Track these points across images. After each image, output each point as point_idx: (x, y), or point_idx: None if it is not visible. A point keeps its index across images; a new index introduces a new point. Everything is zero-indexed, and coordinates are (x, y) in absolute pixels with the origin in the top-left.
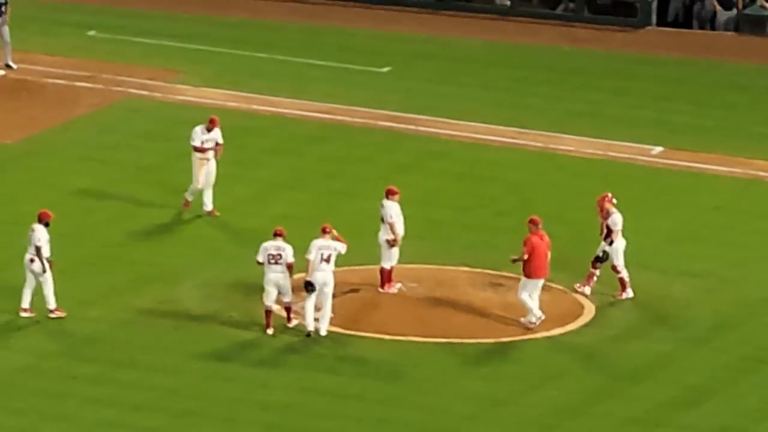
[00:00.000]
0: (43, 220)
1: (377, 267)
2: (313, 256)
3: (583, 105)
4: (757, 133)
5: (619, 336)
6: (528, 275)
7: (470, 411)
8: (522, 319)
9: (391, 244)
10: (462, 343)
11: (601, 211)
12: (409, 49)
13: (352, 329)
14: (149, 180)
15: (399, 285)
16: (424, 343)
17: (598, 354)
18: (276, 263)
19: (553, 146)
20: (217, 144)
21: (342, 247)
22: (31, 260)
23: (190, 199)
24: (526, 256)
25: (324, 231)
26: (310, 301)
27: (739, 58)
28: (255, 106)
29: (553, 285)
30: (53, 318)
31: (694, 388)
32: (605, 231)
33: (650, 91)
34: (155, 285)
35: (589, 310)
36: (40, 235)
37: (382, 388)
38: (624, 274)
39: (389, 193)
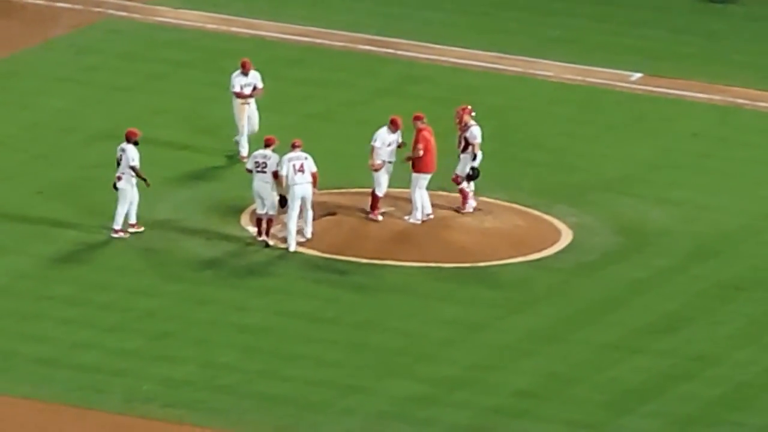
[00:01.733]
0: (132, 139)
1: (354, 191)
2: (285, 170)
3: (562, 30)
4: (737, 61)
5: (595, 262)
6: (420, 170)
7: (446, 336)
8: (407, 218)
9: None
10: (439, 267)
11: (460, 122)
12: None
13: (328, 252)
14: (128, 101)
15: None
16: (400, 267)
17: (574, 280)
18: (261, 171)
19: (532, 71)
20: (255, 87)
21: (311, 159)
22: (119, 178)
23: (243, 152)
24: (421, 152)
25: (294, 146)
26: (292, 221)
27: None
28: (234, 29)
29: (531, 210)
30: (133, 232)
31: (670, 315)
32: (463, 144)
33: (630, 17)
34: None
35: (566, 236)
36: (132, 154)
37: (358, 312)
38: (465, 185)
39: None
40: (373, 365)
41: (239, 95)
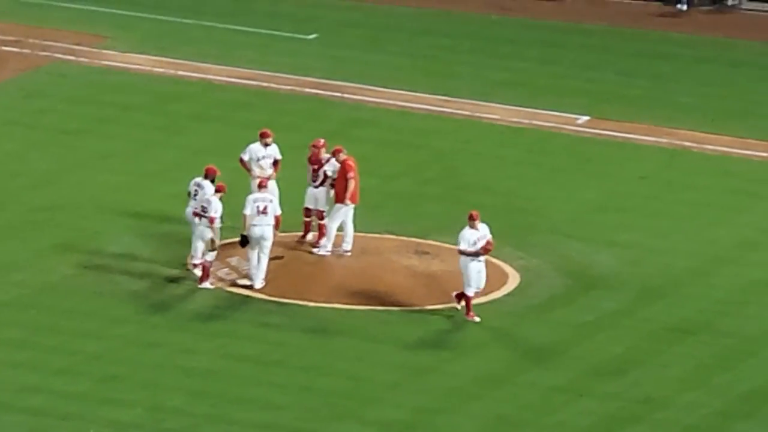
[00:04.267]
0: (210, 176)
1: (300, 234)
2: (248, 210)
3: (509, 74)
4: (683, 103)
5: (543, 305)
6: (342, 201)
7: (393, 379)
8: (316, 250)
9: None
10: (386, 311)
11: (318, 156)
12: (336, 17)
13: (275, 296)
14: (76, 145)
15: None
16: (348, 310)
17: (522, 323)
18: (202, 216)
19: (479, 114)
20: (275, 161)
21: (276, 202)
22: (197, 215)
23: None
24: (353, 183)
25: (260, 186)
26: (252, 254)
27: (665, 28)
28: (181, 72)
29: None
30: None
31: (617, 358)
32: (322, 177)
33: (577, 61)
34: (79, 250)
35: (514, 279)
36: (209, 191)
37: (306, 355)
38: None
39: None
40: (320, 408)
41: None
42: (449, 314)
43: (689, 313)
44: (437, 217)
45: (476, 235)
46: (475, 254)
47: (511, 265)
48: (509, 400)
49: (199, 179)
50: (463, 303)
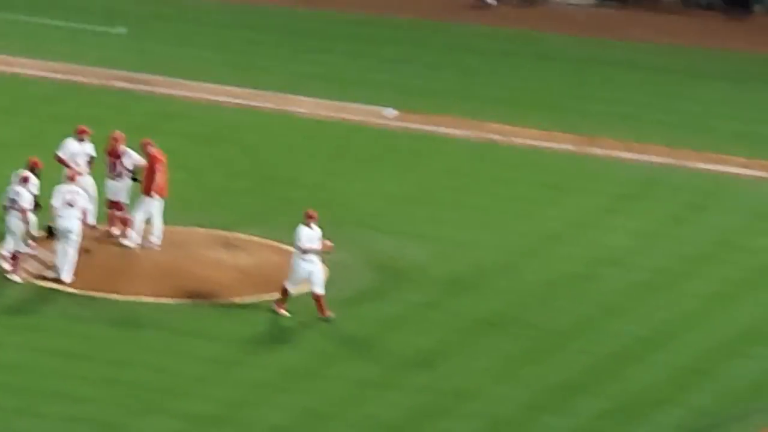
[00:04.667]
0: (34, 169)
1: (107, 228)
2: (56, 201)
3: (317, 67)
4: (491, 97)
5: (351, 299)
6: (152, 193)
7: (201, 372)
8: (124, 240)
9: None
10: (195, 304)
11: (116, 148)
12: (145, 11)
13: (83, 289)
14: None
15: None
16: (156, 303)
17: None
18: (12, 208)
19: (288, 108)
20: (91, 158)
21: (86, 194)
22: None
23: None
24: (160, 175)
25: (70, 178)
26: (59, 246)
27: (473, 21)
28: None
29: (286, 246)
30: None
31: (426, 351)
32: (120, 169)
33: (385, 54)
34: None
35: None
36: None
37: (114, 348)
38: (128, 213)
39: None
40: (128, 401)
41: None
42: (257, 307)
43: (498, 306)
44: (246, 210)
45: (313, 235)
46: (309, 252)
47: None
48: (317, 393)
49: (23, 171)
50: (330, 314)
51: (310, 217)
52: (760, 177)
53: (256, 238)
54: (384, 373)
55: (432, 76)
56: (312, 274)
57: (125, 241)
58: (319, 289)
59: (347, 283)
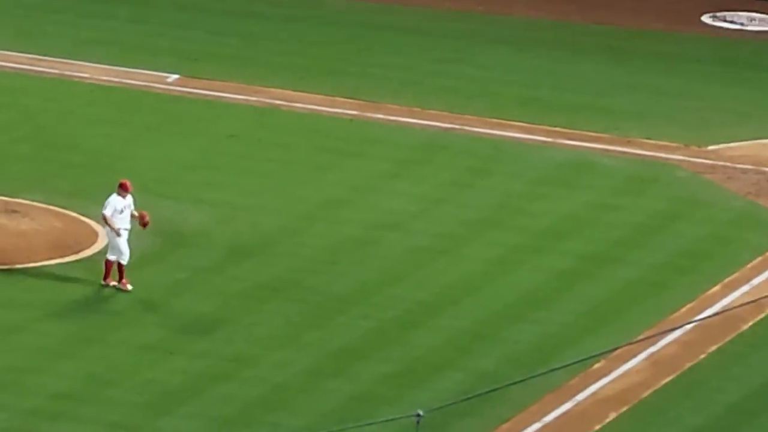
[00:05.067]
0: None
1: None
2: None
3: (99, 32)
4: (274, 62)
5: (133, 264)
6: None
7: None
8: None
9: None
10: None
11: None
12: None
13: None
14: None
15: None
16: None
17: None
18: None
19: (69, 73)
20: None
21: None
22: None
23: None
24: None
25: None
26: None
27: None
28: None
29: (68, 211)
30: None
31: (207, 316)
32: None
33: (167, 19)
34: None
35: (104, 237)
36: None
37: None
38: None
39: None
40: None
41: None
42: (40, 273)
43: (279, 272)
44: (26, 176)
45: (123, 203)
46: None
47: (101, 224)
48: (99, 359)
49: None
50: (129, 286)
51: (124, 187)
52: (542, 142)
53: (37, 204)
54: (166, 339)
55: (215, 41)
56: (121, 242)
57: None
58: (124, 259)
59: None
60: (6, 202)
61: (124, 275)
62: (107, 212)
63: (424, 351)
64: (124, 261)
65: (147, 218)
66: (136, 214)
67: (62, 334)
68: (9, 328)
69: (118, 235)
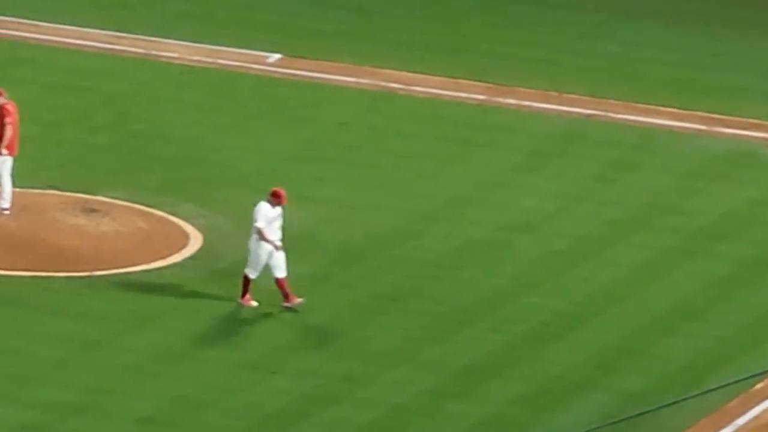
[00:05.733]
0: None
1: None
2: None
3: (188, 5)
4: (389, 40)
5: (229, 270)
6: (1, 150)
7: (59, 355)
8: None
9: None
10: (50, 278)
11: None
12: None
13: None
14: None
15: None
16: (6, 276)
17: (205, 290)
18: None
19: (156, 52)
20: None
21: None
22: None
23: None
24: (10, 130)
25: None
26: None
27: None
28: None
29: (154, 210)
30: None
31: (315, 330)
32: None
33: None
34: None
35: (196, 240)
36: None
37: None
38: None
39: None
40: None
41: None
42: (123, 281)
43: (396, 279)
44: (107, 169)
45: (274, 213)
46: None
47: (193, 224)
48: (190, 379)
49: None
50: (299, 300)
51: (278, 196)
52: (696, 130)
53: (119, 202)
54: (266, 356)
55: (320, 16)
56: (272, 256)
57: None
58: (281, 273)
59: (223, 253)
60: (84, 200)
61: (289, 290)
62: (261, 224)
63: (562, 369)
64: (282, 275)
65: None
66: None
67: (149, 350)
68: (88, 343)
69: (276, 249)
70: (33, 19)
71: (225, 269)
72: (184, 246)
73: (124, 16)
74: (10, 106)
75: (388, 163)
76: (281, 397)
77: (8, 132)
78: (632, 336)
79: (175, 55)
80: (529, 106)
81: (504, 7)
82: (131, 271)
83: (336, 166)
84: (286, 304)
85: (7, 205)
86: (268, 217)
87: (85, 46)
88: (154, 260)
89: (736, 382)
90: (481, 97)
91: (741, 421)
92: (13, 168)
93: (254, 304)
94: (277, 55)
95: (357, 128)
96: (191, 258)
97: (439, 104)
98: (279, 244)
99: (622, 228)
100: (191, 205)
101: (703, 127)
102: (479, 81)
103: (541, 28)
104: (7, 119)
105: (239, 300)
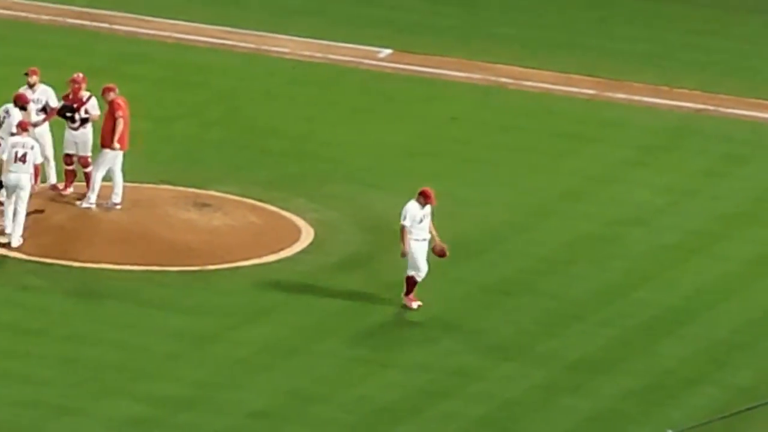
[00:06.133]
0: (19, 103)
1: (63, 185)
2: (6, 154)
3: (300, 1)
4: (500, 34)
5: (340, 264)
6: (108, 145)
7: (171, 349)
8: (80, 203)
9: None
10: (163, 272)
11: (78, 93)
12: None
13: (35, 255)
14: None
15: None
16: (119, 271)
17: (317, 284)
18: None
19: (267, 48)
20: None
21: (38, 150)
22: None
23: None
24: (122, 124)
25: (21, 128)
26: (8, 205)
27: None
28: None
29: (266, 205)
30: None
31: (427, 323)
32: (82, 118)
33: None
34: None
35: (307, 235)
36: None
37: (70, 322)
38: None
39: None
40: (87, 383)
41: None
42: (234, 275)
43: (508, 273)
44: (219, 165)
45: (422, 213)
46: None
47: (304, 219)
48: (303, 372)
49: (8, 105)
50: (418, 303)
51: (426, 196)
52: None
53: (231, 196)
54: (379, 349)
55: (432, 11)
56: (418, 256)
57: (82, 204)
58: (414, 273)
59: (335, 247)
60: (197, 195)
61: (413, 291)
62: (407, 223)
63: (674, 363)
64: (420, 277)
65: (446, 252)
66: (434, 234)
67: (261, 344)
68: (201, 337)
69: (403, 255)
70: (145, 15)
71: (336, 263)
72: (295, 240)
73: (236, 12)
74: (121, 101)
75: (499, 158)
76: (393, 391)
77: (120, 127)
78: (743, 330)
79: (287, 50)
80: (639, 101)
81: (615, 1)
82: (243, 265)
83: (447, 161)
84: (404, 302)
85: (118, 200)
86: (415, 216)
87: (197, 41)
88: (265, 254)
89: None
90: (592, 91)
91: None
92: (125, 163)
93: (415, 305)
94: (388, 51)
95: (468, 123)
96: (303, 252)
97: (550, 99)
98: (423, 239)
99: (733, 222)
100: (302, 199)
101: None
102: (590, 76)
103: (652, 23)
104: (119, 113)
105: (402, 298)
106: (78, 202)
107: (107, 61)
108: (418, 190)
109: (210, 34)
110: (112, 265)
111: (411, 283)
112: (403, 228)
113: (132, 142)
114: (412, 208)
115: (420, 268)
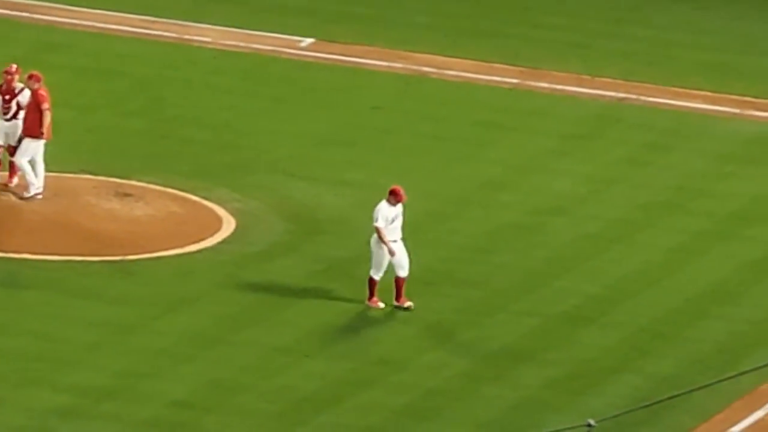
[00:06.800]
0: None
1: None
2: None
3: None
4: (420, 23)
5: (263, 253)
6: (35, 135)
7: (92, 339)
8: (26, 194)
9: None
10: (83, 261)
11: (12, 84)
12: None
13: None
14: None
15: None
16: (40, 261)
17: (239, 274)
18: None
19: (189, 37)
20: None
21: None
22: None
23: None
24: (49, 116)
25: None
26: None
27: None
28: None
29: (188, 195)
30: None
31: (347, 313)
32: (15, 109)
33: None
34: None
35: (229, 224)
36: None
37: None
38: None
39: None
40: (8, 373)
41: None
42: (156, 265)
43: (429, 262)
44: (141, 154)
45: (394, 212)
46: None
47: (226, 208)
48: (225, 362)
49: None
50: (409, 303)
51: (396, 194)
52: (729, 113)
53: (153, 186)
54: (301, 339)
55: (353, 0)
56: (398, 253)
57: (27, 194)
58: (403, 272)
59: (257, 236)
60: (118, 185)
61: (403, 292)
62: (380, 224)
63: (596, 352)
64: (403, 274)
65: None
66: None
67: (182, 335)
68: (122, 327)
69: (392, 254)
70: (66, 4)
71: (258, 253)
72: (217, 230)
73: (158, 1)
74: (44, 92)
75: (420, 147)
76: (315, 381)
77: (47, 117)
78: (665, 319)
79: (208, 39)
80: (562, 90)
81: None
82: (165, 255)
83: (369, 150)
84: (396, 304)
85: (40, 189)
86: (387, 216)
87: (119, 30)
88: (187, 244)
89: None
90: (514, 80)
91: None
92: (46, 152)
93: (381, 305)
94: (310, 40)
95: (390, 112)
96: (225, 242)
97: (471, 88)
98: (393, 248)
99: (655, 211)
100: (224, 189)
101: (736, 111)
102: (512, 65)
103: (573, 11)
104: (45, 105)
105: (366, 302)
106: (25, 194)
107: (28, 50)
108: (389, 189)
109: (131, 24)
110: (33, 255)
111: (372, 285)
112: (377, 229)
113: (53, 132)
114: (384, 208)
115: (380, 269)
